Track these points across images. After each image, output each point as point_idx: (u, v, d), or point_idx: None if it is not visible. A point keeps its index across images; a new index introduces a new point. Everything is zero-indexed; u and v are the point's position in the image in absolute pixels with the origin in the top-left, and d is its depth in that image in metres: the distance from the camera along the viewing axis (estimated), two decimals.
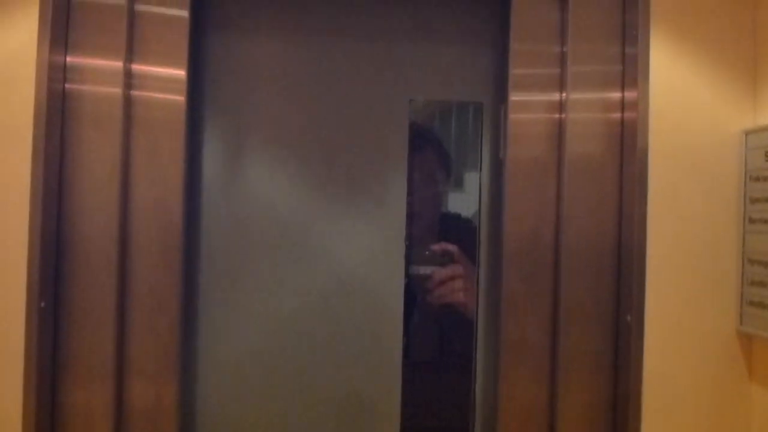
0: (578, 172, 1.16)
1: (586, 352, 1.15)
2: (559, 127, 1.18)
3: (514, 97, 1.17)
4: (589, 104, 1.17)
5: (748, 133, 1.13)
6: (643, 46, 1.14)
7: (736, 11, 1.17)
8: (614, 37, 1.18)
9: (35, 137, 1.05)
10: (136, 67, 1.14)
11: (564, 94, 1.17)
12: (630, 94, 1.16)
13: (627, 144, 1.17)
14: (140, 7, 1.13)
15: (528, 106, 1.19)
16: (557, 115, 1.19)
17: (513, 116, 1.17)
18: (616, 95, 1.18)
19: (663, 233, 1.14)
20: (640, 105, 1.14)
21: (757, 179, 1.11)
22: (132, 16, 1.13)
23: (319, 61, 1.24)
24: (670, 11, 1.15)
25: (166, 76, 1.14)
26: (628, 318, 1.13)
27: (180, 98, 1.13)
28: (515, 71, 1.17)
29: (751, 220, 1.12)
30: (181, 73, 1.13)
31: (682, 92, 1.16)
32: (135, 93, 1.13)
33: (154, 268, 1.13)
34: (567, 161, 1.16)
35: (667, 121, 1.15)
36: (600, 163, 1.17)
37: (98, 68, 1.11)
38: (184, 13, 1.13)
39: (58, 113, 1.09)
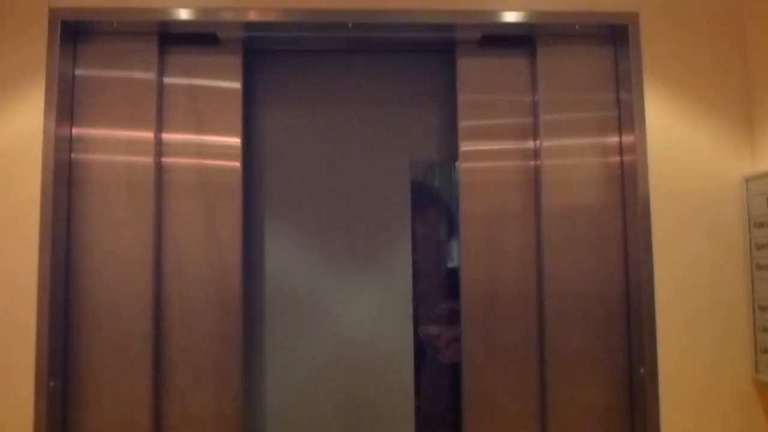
0: (558, 221, 1.16)
1: (589, 407, 1.14)
2: (535, 175, 1.19)
3: (465, 147, 1.19)
4: (565, 152, 1.18)
5: (748, 180, 1.14)
6: (637, 95, 1.16)
7: (727, 60, 1.18)
8: (602, 87, 1.20)
9: (42, 207, 1.07)
10: (167, 136, 1.16)
11: (538, 142, 1.19)
12: (627, 138, 1.18)
13: (628, 191, 1.17)
14: (169, 80, 1.17)
15: (481, 156, 1.19)
16: (532, 163, 1.20)
17: (464, 166, 1.19)
18: (609, 141, 1.19)
19: (670, 282, 1.13)
20: (639, 149, 1.15)
21: (761, 225, 1.11)
22: (161, 90, 1.16)
23: (337, 128, 1.27)
24: (662, 64, 1.17)
25: (219, 143, 1.17)
26: (642, 371, 1.11)
27: (236, 164, 1.16)
28: (463, 123, 1.19)
29: (759, 267, 1.11)
30: (236, 140, 1.16)
31: (679, 140, 1.17)
32: (167, 161, 1.16)
33: (211, 337, 1.13)
34: (544, 211, 1.16)
35: (665, 169, 1.15)
36: (590, 211, 1.17)
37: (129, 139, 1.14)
38: (237, 85, 1.17)
39: (65, 184, 1.12)
